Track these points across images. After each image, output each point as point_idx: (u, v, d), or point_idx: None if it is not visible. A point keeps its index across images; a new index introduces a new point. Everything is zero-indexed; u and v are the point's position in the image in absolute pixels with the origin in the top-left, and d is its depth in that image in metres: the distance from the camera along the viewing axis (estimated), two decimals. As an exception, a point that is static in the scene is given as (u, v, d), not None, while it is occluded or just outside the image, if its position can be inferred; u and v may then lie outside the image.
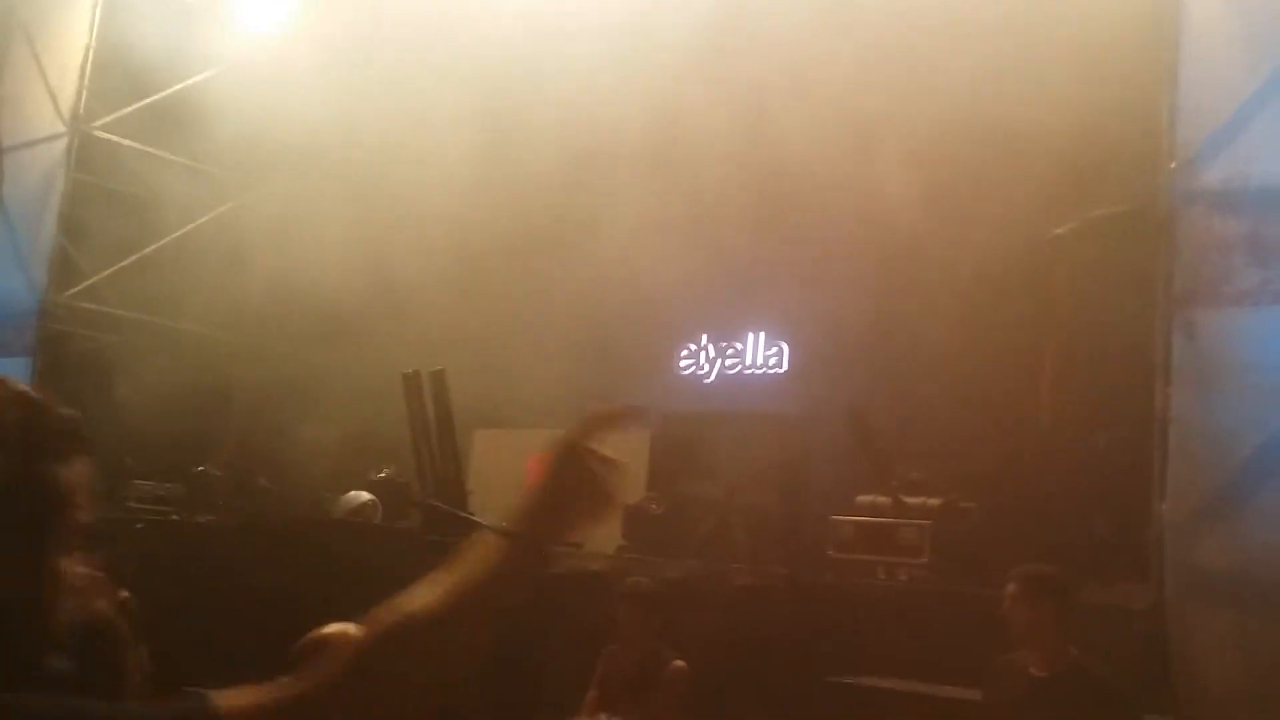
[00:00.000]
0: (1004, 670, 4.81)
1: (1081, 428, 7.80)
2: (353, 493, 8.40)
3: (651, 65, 8.98)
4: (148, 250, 12.09)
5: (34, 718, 1.22)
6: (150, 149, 12.47)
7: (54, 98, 12.73)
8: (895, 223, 8.38)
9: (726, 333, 10.74)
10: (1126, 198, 7.62)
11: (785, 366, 10.47)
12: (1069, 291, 7.98)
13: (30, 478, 1.29)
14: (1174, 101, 6.80)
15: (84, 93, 12.48)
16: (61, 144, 12.55)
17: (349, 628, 2.72)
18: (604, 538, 8.15)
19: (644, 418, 1.46)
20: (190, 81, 12.14)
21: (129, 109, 12.39)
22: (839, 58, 8.68)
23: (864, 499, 7.48)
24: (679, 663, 5.63)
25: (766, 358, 10.61)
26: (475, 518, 8.19)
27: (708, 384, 10.71)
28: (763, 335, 10.62)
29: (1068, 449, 7.74)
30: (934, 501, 7.23)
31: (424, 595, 1.41)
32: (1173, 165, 6.73)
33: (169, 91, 12.22)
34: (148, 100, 12.30)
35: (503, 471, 9.75)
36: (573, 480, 1.50)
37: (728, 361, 10.76)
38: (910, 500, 7.25)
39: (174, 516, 9.32)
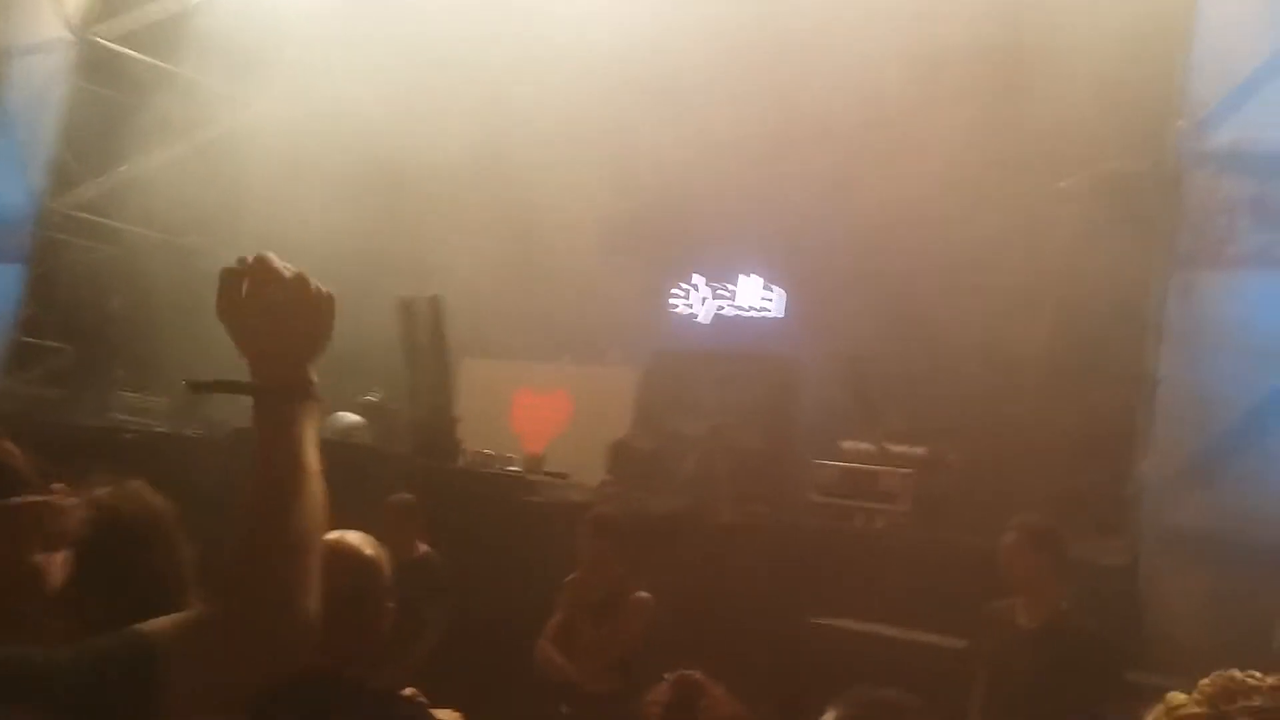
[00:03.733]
0: (992, 619, 4.83)
1: (1073, 384, 7.78)
2: (341, 413, 8.43)
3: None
4: (146, 162, 12.00)
5: None
6: (154, 60, 12.34)
7: (57, 1, 12.58)
8: (896, 170, 8.32)
9: (721, 273, 10.70)
10: (1135, 154, 7.56)
11: (781, 311, 10.45)
12: (1070, 245, 7.92)
13: None
14: (1187, 60, 6.74)
15: (89, -1, 12.33)
16: (64, 50, 12.42)
17: (347, 535, 2.66)
18: (589, 471, 8.19)
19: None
20: (197, -7, 12.01)
21: (133, 17, 12.25)
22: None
23: (849, 445, 7.50)
24: (643, 593, 5.65)
25: (761, 300, 10.58)
26: (464, 447, 8.25)
27: (700, 324, 10.69)
28: (758, 278, 10.58)
29: (1057, 404, 7.74)
30: (918, 450, 7.26)
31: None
32: (1182, 124, 6.67)
33: (176, 3, 12.09)
34: (153, 9, 12.16)
35: (490, 401, 9.78)
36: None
37: (721, 302, 10.73)
38: (895, 448, 7.28)
39: (160, 429, 9.34)
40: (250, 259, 1.46)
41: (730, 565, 6.69)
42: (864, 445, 7.35)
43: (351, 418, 8.66)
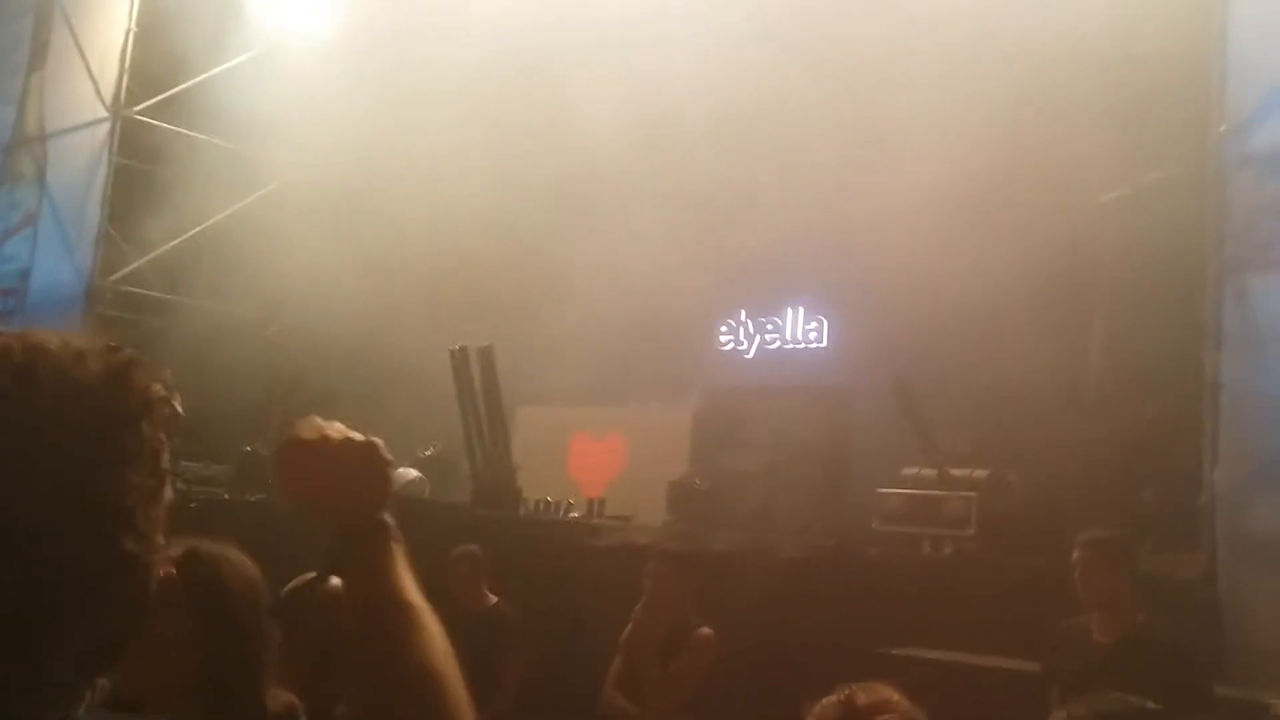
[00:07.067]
0: (1066, 637, 4.77)
1: (1130, 397, 7.73)
2: (400, 469, 8.47)
3: (704, 35, 8.99)
4: (190, 234, 12.21)
5: None
6: (191, 132, 12.58)
7: (95, 83, 12.88)
8: (935, 192, 8.32)
9: (765, 308, 10.71)
10: (1176, 162, 7.53)
11: (825, 341, 10.44)
12: (1117, 258, 7.89)
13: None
14: (1224, 63, 6.72)
15: (125, 77, 12.61)
16: (104, 129, 12.69)
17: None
18: (650, 512, 8.20)
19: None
20: (230, 64, 12.23)
21: (170, 93, 12.50)
22: (877, 22, 8.66)
23: (909, 471, 7.46)
24: (705, 630, 5.60)
25: (806, 332, 10.58)
26: (524, 495, 8.28)
27: (748, 359, 10.69)
28: (802, 310, 10.59)
29: (1115, 418, 7.68)
30: (980, 473, 7.20)
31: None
32: (1223, 128, 6.65)
33: (209, 75, 12.32)
34: (188, 84, 12.41)
35: (546, 448, 9.81)
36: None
37: (767, 337, 10.74)
38: (956, 472, 7.22)
39: (225, 495, 9.45)
40: (289, 435, 1.48)
41: (796, 598, 6.65)
42: (925, 471, 7.30)
43: (410, 473, 8.72)
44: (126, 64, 12.60)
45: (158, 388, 1.18)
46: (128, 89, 12.59)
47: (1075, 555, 4.75)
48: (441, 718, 1.36)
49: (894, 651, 6.15)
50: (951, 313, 8.49)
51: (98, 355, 1.15)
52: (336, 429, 1.48)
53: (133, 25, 12.60)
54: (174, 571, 1.90)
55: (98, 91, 12.83)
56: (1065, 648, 4.78)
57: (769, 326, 10.65)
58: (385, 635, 1.39)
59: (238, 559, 2.12)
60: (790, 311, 10.56)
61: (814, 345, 10.42)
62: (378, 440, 1.49)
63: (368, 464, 1.47)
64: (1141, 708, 2.14)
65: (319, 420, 1.49)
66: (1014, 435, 7.89)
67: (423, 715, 1.35)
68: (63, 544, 1.07)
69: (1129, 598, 4.64)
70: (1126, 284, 7.93)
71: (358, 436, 1.48)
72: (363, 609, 1.42)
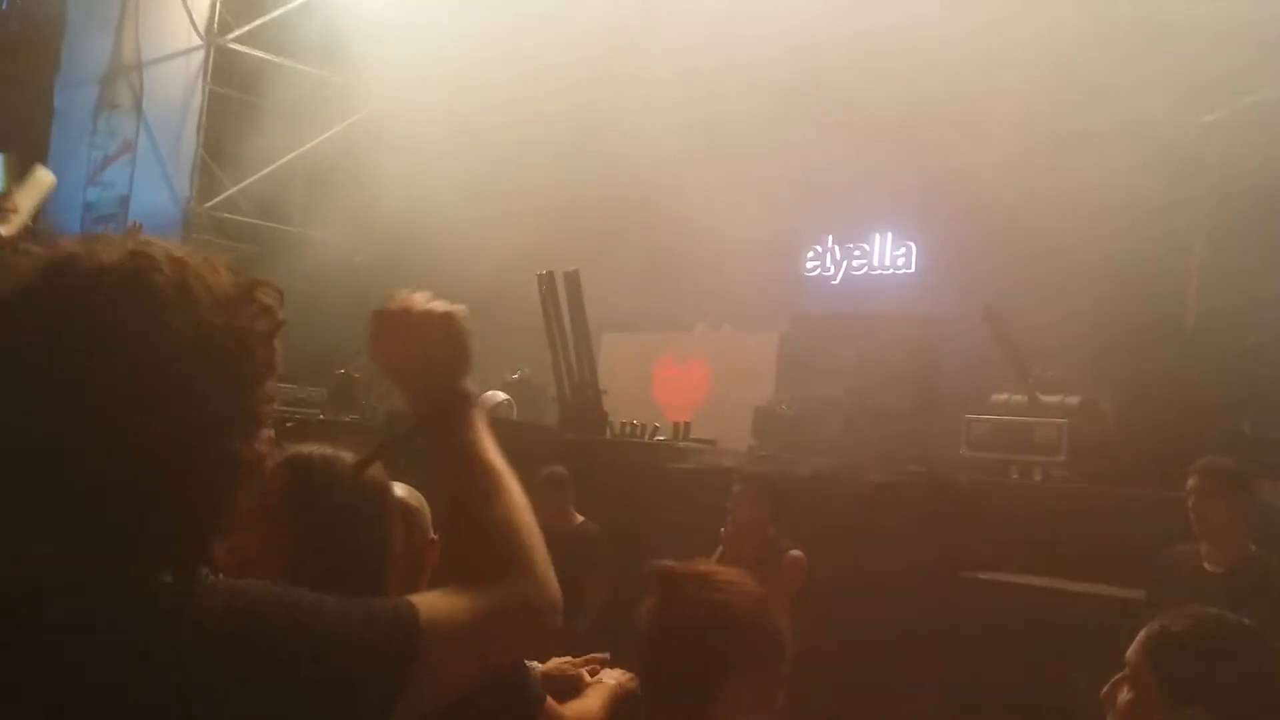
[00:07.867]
0: (1174, 564, 4.71)
1: (1229, 325, 7.53)
2: (489, 392, 8.60)
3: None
4: (283, 161, 12.39)
5: (249, 598, 1.20)
6: (284, 60, 12.72)
7: (189, 11, 13.04)
8: (1031, 112, 8.12)
9: (853, 234, 10.61)
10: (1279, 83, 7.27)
11: (914, 267, 10.32)
12: (1218, 181, 7.65)
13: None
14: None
15: (218, 6, 12.76)
16: (198, 57, 12.88)
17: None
18: (734, 438, 8.23)
19: None
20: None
21: (262, 20, 12.63)
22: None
23: (999, 397, 7.37)
24: (796, 552, 5.62)
25: (894, 258, 10.47)
26: (611, 419, 8.36)
27: (835, 285, 10.62)
28: (890, 235, 10.47)
29: (1214, 347, 7.49)
30: (1072, 400, 7.09)
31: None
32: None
33: (300, 2, 12.43)
34: (280, 11, 12.53)
35: (631, 374, 9.87)
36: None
37: (855, 263, 10.66)
38: (1047, 399, 7.12)
39: (320, 416, 9.68)
40: (387, 302, 1.53)
41: (884, 524, 6.65)
42: (1015, 397, 7.21)
43: (498, 395, 8.84)
44: (219, -8, 12.76)
45: (277, 306, 1.27)
46: (221, 17, 12.76)
47: (1191, 483, 4.66)
48: (519, 565, 1.40)
49: (981, 576, 6.16)
50: (1044, 237, 8.32)
51: (228, 271, 1.25)
52: (420, 299, 1.52)
53: (225, -47, 12.74)
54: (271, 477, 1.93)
55: (191, 20, 13.00)
56: (1173, 575, 4.71)
57: (856, 252, 10.56)
58: (466, 492, 1.45)
59: (345, 470, 2.05)
60: (878, 237, 10.46)
61: (902, 270, 10.32)
62: (457, 309, 1.52)
63: (447, 333, 1.50)
64: (1239, 625, 2.13)
65: (405, 292, 1.53)
66: (1108, 362, 7.75)
67: (501, 563, 1.39)
68: (205, 446, 1.17)
69: (1243, 528, 4.56)
70: (1227, 207, 7.70)
71: (439, 307, 1.51)
72: (446, 469, 1.46)
